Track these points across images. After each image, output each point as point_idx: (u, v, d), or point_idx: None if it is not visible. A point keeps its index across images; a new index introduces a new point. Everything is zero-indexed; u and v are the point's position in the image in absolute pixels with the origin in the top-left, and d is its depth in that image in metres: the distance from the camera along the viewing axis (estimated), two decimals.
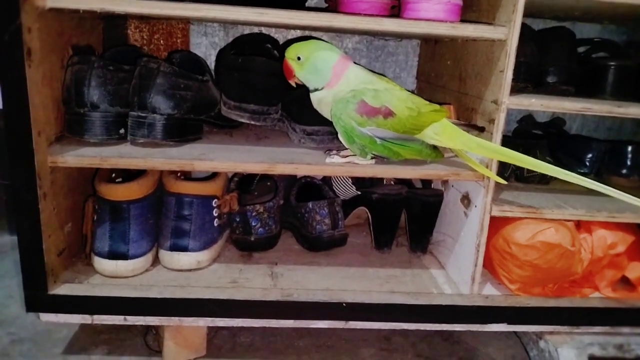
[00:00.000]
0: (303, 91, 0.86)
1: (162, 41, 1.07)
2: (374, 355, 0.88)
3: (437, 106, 0.75)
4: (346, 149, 0.77)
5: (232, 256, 0.91)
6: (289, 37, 1.12)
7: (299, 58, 0.72)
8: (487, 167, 0.78)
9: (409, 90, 0.76)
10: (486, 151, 0.75)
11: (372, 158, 0.76)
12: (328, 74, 0.72)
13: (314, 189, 1.02)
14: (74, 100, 0.74)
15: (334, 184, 1.04)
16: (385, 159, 0.76)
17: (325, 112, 0.75)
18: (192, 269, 0.84)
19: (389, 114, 0.69)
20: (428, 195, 0.94)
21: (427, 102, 0.75)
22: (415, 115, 0.71)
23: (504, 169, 0.89)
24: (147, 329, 0.89)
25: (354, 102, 0.70)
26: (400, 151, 0.74)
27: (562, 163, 0.99)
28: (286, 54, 0.74)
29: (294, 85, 0.77)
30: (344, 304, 0.78)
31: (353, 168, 0.76)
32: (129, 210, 0.79)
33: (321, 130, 0.83)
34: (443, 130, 0.74)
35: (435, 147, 0.77)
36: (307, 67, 0.72)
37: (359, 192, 1.01)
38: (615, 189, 0.96)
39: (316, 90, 0.74)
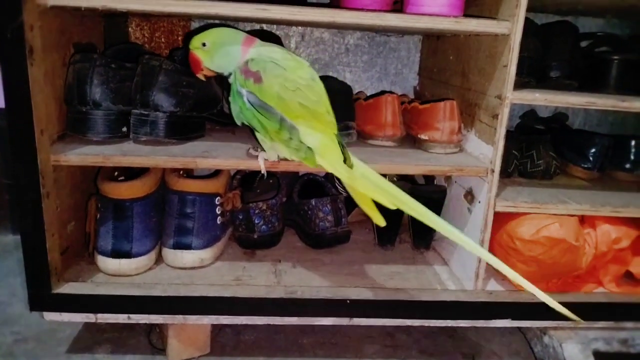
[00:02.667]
0: None
1: (163, 39, 1.06)
2: (378, 352, 0.88)
3: (331, 120, 0.68)
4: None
5: (235, 254, 0.91)
6: (291, 33, 1.12)
7: (204, 44, 0.68)
8: (490, 162, 0.77)
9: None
10: (368, 186, 0.67)
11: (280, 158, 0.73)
12: (238, 53, 0.68)
13: (317, 186, 1.02)
14: (76, 99, 0.74)
15: (336, 180, 1.04)
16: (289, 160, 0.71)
17: None
18: (195, 267, 0.84)
19: (258, 79, 0.65)
20: (431, 191, 0.94)
21: (325, 109, 0.68)
22: (286, 96, 0.65)
23: (507, 164, 0.89)
24: (151, 327, 0.89)
25: (243, 64, 0.67)
26: (263, 122, 0.67)
27: (565, 158, 0.99)
28: (190, 46, 0.70)
29: (202, 78, 0.73)
30: (347, 301, 0.78)
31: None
32: (132, 209, 0.79)
33: None
34: (324, 146, 0.67)
35: (309, 149, 0.67)
36: (216, 52, 0.68)
37: None
38: (619, 183, 0.97)
39: (230, 75, 0.70)
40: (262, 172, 0.73)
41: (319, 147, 0.67)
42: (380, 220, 0.67)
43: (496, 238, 0.82)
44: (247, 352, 0.85)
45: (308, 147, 0.67)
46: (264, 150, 0.73)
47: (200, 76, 0.72)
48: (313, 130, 0.67)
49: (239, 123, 0.71)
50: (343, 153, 0.68)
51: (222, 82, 0.86)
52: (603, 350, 0.83)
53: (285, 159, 0.72)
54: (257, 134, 0.71)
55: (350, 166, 0.68)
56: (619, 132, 1.22)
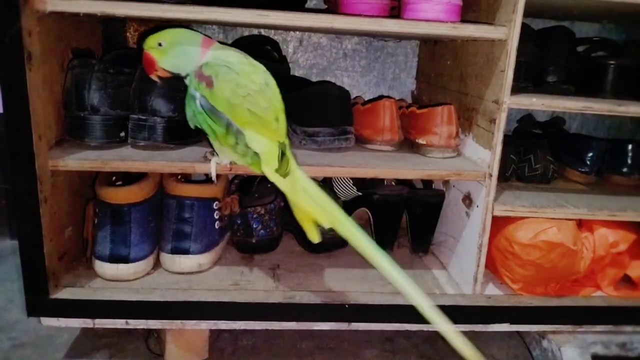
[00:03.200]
0: (304, 93, 0.86)
1: None
2: (376, 357, 0.88)
3: (278, 128, 0.67)
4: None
5: (233, 258, 0.91)
6: (289, 39, 1.13)
7: (160, 44, 0.66)
8: (488, 166, 0.78)
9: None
10: (307, 201, 0.66)
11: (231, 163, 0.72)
12: (196, 54, 0.66)
13: None
14: (75, 104, 0.74)
15: (334, 185, 1.04)
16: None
17: None
18: (193, 272, 0.83)
19: (210, 83, 0.64)
20: (429, 195, 0.94)
21: (274, 116, 0.66)
22: (236, 102, 0.63)
23: (505, 168, 0.89)
24: (149, 332, 0.89)
25: (198, 68, 0.66)
26: (212, 126, 0.66)
27: (563, 162, 1.00)
28: (145, 46, 0.67)
29: (156, 79, 0.70)
30: (346, 306, 0.78)
31: (354, 169, 0.76)
32: (129, 214, 0.79)
33: (322, 131, 0.83)
34: (269, 152, 0.66)
35: (256, 155, 0.66)
36: (173, 52, 0.66)
37: (360, 193, 1.00)
38: (617, 187, 0.97)
39: (187, 76, 0.68)
40: (212, 177, 0.72)
41: (264, 153, 0.66)
42: (314, 237, 0.68)
43: (494, 242, 0.82)
44: (246, 357, 0.85)
45: (255, 152, 0.66)
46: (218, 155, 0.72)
47: (154, 77, 0.70)
48: (260, 136, 0.66)
49: (192, 126, 0.69)
50: (283, 163, 0.66)
51: None
52: (602, 354, 0.83)
53: (236, 164, 0.72)
54: (209, 138, 0.70)
55: (283, 175, 0.67)
56: (615, 136, 1.22)
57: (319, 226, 0.70)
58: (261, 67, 0.68)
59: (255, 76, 0.66)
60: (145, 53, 0.68)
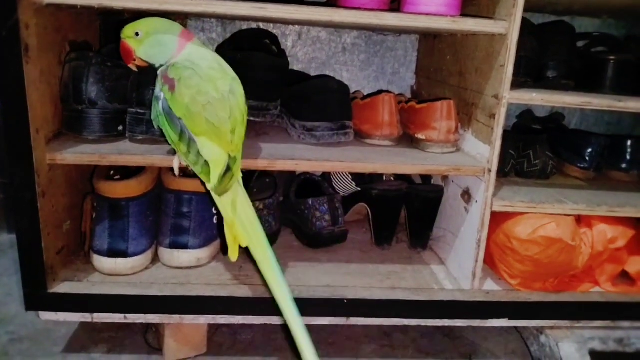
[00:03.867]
0: (303, 87, 0.86)
1: None
2: (375, 352, 0.88)
3: (233, 141, 0.64)
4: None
5: None
6: (287, 32, 1.12)
7: (137, 34, 0.65)
8: (487, 161, 0.77)
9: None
10: (239, 227, 0.65)
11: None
12: (173, 45, 0.65)
13: (314, 185, 1.02)
14: (72, 97, 0.73)
15: (333, 180, 1.04)
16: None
17: None
18: (192, 267, 0.83)
19: (172, 87, 0.62)
20: (428, 191, 0.94)
21: (232, 128, 0.63)
22: (195, 110, 0.61)
23: (504, 163, 0.89)
24: (147, 327, 0.89)
25: (165, 67, 0.65)
26: (168, 131, 0.64)
27: (562, 158, 1.00)
28: (122, 35, 0.66)
29: (134, 69, 0.69)
30: (345, 301, 0.78)
31: (353, 164, 0.76)
32: (128, 208, 0.79)
33: (321, 126, 0.82)
34: (218, 161, 0.63)
35: (206, 164, 0.64)
36: (149, 42, 0.65)
37: (359, 189, 1.00)
38: (616, 183, 0.97)
39: (161, 67, 0.66)
40: (176, 173, 0.72)
41: (213, 161, 0.63)
42: (232, 255, 0.67)
43: (493, 238, 0.82)
44: (244, 351, 0.85)
45: (205, 161, 0.63)
46: None
47: (133, 67, 0.69)
48: (212, 144, 0.63)
49: (155, 127, 0.68)
50: (226, 178, 0.63)
51: None
52: (599, 350, 0.83)
53: None
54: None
55: (222, 190, 0.64)
56: (615, 132, 1.22)
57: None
58: (231, 75, 0.66)
59: (221, 83, 0.64)
60: (123, 42, 0.66)
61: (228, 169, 0.63)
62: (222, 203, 0.65)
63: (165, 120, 0.64)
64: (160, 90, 0.64)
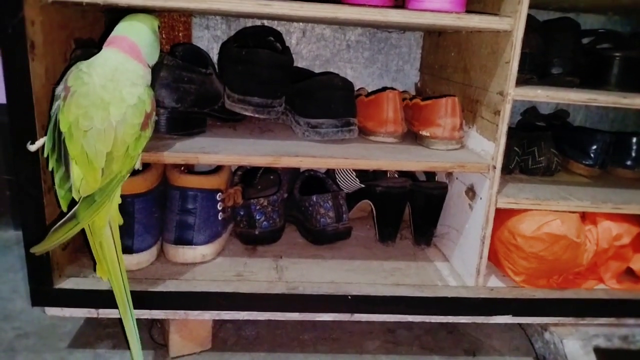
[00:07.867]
0: (307, 84, 0.86)
1: (164, 35, 1.06)
2: (379, 348, 0.88)
3: (101, 180, 0.59)
4: None
5: (236, 250, 0.91)
6: (292, 30, 1.12)
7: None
8: (492, 158, 0.77)
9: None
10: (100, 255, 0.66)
11: None
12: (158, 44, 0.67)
13: (318, 182, 1.02)
14: None
15: (337, 177, 1.04)
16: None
17: None
18: (197, 263, 0.84)
19: (65, 97, 0.58)
20: (432, 187, 0.94)
21: (102, 166, 0.58)
22: (75, 134, 0.57)
23: (508, 160, 0.89)
24: (153, 322, 0.89)
25: (69, 72, 0.61)
26: (48, 137, 0.61)
27: (566, 155, 1.00)
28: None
29: None
30: (349, 297, 0.78)
31: (357, 161, 0.76)
32: (133, 204, 0.79)
33: (325, 123, 0.82)
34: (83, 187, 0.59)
35: (69, 192, 0.61)
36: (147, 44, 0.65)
37: (363, 185, 1.00)
38: (621, 180, 0.97)
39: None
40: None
41: (76, 186, 0.59)
42: (102, 274, 0.69)
43: (497, 234, 0.82)
44: (248, 347, 0.86)
45: (70, 187, 0.60)
46: None
47: None
48: (81, 174, 0.59)
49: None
50: (81, 207, 0.59)
51: (223, 78, 0.86)
52: (604, 347, 0.83)
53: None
54: None
55: (81, 219, 0.60)
56: (620, 129, 1.22)
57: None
58: (130, 102, 0.59)
59: (113, 108, 0.58)
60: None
61: (92, 200, 0.60)
62: (92, 240, 0.66)
63: (53, 124, 0.60)
64: (60, 91, 0.61)
